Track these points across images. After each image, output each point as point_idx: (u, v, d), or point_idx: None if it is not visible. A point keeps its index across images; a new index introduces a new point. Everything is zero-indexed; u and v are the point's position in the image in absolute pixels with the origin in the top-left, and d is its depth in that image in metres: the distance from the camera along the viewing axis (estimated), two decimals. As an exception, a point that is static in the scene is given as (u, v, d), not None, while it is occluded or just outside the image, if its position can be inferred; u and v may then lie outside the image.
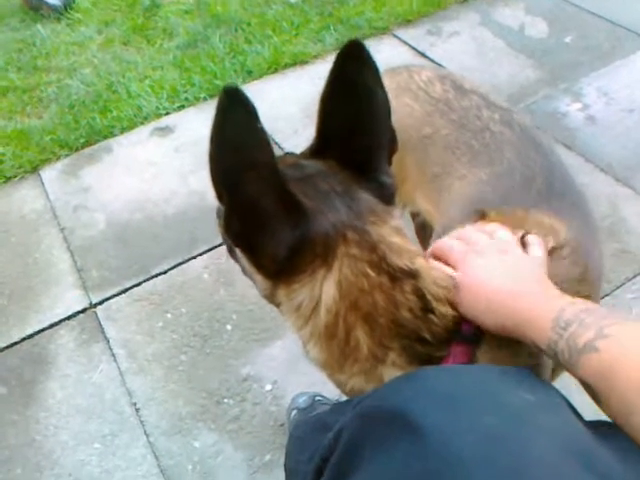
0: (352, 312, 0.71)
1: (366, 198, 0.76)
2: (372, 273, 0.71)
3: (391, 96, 1.27)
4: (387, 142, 0.79)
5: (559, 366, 0.66)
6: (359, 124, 0.75)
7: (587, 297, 0.97)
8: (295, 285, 0.72)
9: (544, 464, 0.49)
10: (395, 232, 0.75)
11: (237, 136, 0.61)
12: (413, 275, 0.72)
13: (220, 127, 0.61)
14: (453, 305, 0.74)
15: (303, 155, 0.81)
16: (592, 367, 0.60)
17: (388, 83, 1.30)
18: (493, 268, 0.74)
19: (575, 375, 0.62)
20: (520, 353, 0.75)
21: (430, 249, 0.83)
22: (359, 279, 0.71)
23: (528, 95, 2.68)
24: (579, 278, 0.96)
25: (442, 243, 0.82)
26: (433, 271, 0.75)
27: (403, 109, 1.27)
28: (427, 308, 0.72)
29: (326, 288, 0.71)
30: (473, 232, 0.82)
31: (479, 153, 1.15)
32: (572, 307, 0.65)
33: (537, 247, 0.79)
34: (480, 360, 0.75)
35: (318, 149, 0.78)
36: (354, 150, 0.76)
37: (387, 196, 0.78)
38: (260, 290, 0.80)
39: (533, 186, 1.05)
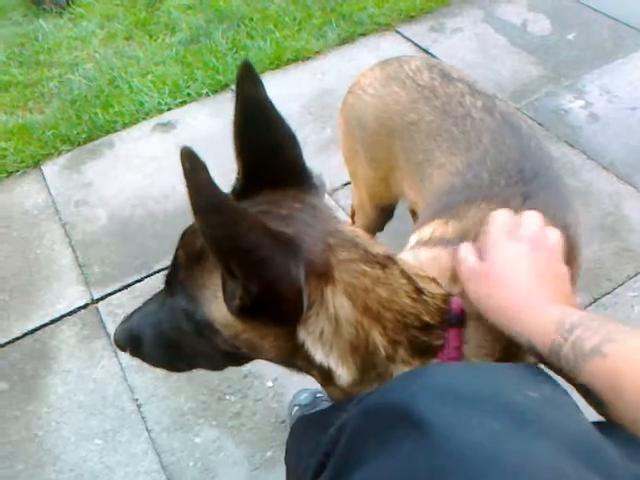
0: (365, 316, 0.71)
1: (319, 202, 0.76)
2: (367, 268, 0.71)
3: (380, 85, 1.30)
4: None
5: (555, 371, 0.65)
6: (277, 140, 0.75)
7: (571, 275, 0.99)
8: (311, 318, 0.69)
9: (548, 465, 0.49)
10: (349, 224, 0.77)
11: (215, 196, 0.58)
12: (391, 259, 0.74)
13: (199, 195, 0.58)
14: (436, 282, 0.76)
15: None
16: (599, 372, 0.59)
17: (379, 74, 1.33)
18: (519, 261, 0.73)
19: (576, 381, 0.62)
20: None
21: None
22: (360, 280, 0.70)
23: (531, 92, 2.68)
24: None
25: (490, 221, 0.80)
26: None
27: (391, 97, 1.28)
28: (418, 288, 0.73)
29: (338, 303, 0.69)
30: (521, 216, 0.80)
31: (458, 140, 1.15)
32: (576, 313, 0.65)
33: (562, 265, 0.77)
34: (469, 341, 0.77)
35: (247, 185, 0.76)
36: (282, 166, 0.75)
37: (323, 194, 0.79)
38: (276, 353, 0.73)
39: (503, 173, 1.06)
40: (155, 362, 0.85)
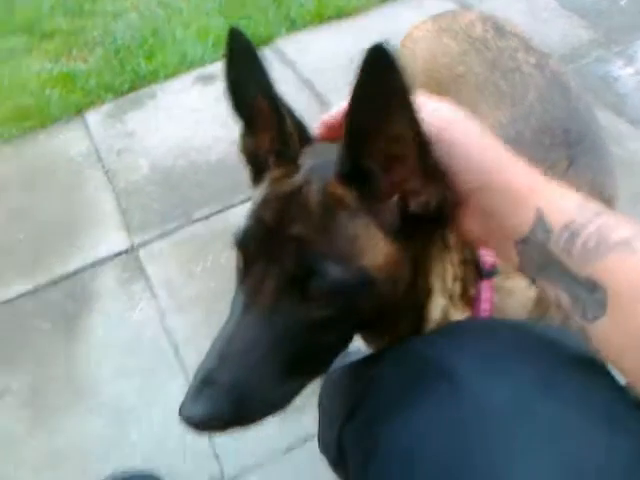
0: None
1: None
2: None
3: (432, 37, 1.28)
4: None
5: (546, 255, 0.57)
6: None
7: None
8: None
9: (574, 427, 0.49)
10: None
11: None
12: None
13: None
14: None
15: None
16: (620, 269, 0.51)
17: (431, 26, 1.31)
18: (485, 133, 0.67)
19: (581, 272, 0.53)
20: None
21: None
22: None
23: (580, 57, 2.60)
24: None
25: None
26: None
27: (441, 48, 1.28)
28: None
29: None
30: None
31: (504, 95, 1.14)
32: (593, 200, 0.58)
33: None
34: (500, 291, 0.79)
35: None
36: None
37: None
38: (411, 283, 0.71)
39: (547, 131, 1.05)
40: (269, 405, 0.69)
